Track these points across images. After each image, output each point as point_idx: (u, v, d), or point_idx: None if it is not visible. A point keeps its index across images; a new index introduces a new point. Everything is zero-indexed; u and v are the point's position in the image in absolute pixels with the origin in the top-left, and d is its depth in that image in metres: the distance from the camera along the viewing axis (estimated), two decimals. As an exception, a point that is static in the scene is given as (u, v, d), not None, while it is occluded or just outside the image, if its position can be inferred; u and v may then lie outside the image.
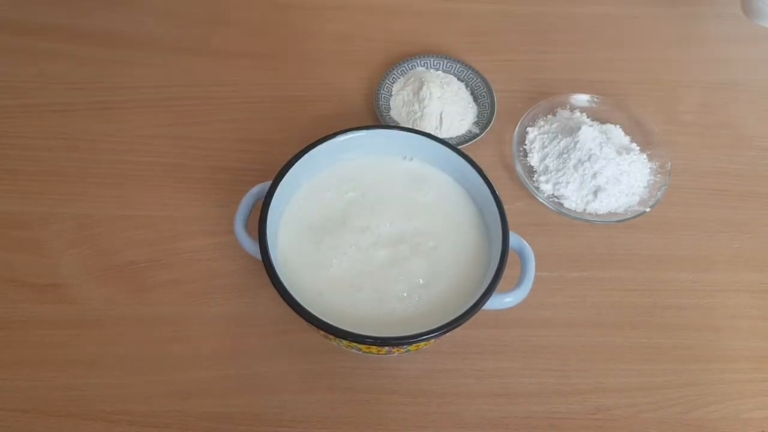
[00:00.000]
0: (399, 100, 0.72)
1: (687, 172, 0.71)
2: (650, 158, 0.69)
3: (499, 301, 0.53)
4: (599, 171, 0.65)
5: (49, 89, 0.73)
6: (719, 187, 0.70)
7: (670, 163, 0.67)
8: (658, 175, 0.68)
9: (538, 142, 0.69)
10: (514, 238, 0.55)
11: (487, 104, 0.73)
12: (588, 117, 0.72)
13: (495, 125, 0.72)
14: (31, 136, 0.69)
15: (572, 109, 0.73)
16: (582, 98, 0.73)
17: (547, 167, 0.68)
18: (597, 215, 0.66)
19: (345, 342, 0.51)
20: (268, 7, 0.81)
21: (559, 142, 0.68)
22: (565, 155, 0.67)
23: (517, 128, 0.70)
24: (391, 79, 0.74)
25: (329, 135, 0.58)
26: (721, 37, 0.83)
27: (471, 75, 0.75)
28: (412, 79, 0.73)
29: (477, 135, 0.70)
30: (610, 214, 0.66)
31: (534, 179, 0.68)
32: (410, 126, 0.68)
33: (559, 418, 0.57)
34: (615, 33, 0.82)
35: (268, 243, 0.52)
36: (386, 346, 0.51)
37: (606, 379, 0.59)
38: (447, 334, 0.50)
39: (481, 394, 0.58)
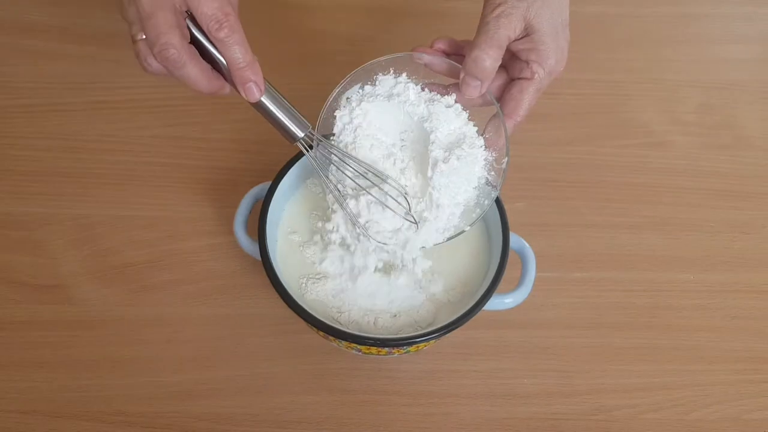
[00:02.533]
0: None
1: (687, 172, 0.71)
2: (489, 146, 0.52)
3: (500, 302, 0.53)
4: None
5: (49, 89, 0.72)
6: (720, 187, 0.70)
7: (507, 159, 0.51)
8: (492, 173, 0.52)
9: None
10: (514, 239, 0.55)
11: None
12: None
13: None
14: (30, 137, 0.69)
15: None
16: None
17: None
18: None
19: (345, 343, 0.51)
20: (268, 7, 0.81)
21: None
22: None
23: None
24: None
25: (329, 135, 0.58)
26: (722, 37, 0.83)
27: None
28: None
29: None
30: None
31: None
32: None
33: (560, 419, 0.57)
34: (615, 33, 0.82)
35: (267, 244, 0.52)
36: (386, 347, 0.51)
37: (606, 380, 0.59)
38: (447, 334, 0.50)
39: (482, 394, 0.58)
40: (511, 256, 0.54)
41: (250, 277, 0.62)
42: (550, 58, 0.49)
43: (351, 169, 0.51)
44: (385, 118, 0.53)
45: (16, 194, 0.66)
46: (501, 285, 0.52)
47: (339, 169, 0.52)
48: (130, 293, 0.61)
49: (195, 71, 0.46)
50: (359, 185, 0.51)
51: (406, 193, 0.51)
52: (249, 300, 0.61)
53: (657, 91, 0.77)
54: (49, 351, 0.58)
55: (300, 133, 0.50)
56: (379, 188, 0.51)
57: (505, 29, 0.48)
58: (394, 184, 0.51)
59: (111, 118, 0.71)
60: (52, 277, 0.61)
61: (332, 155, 0.52)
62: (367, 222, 0.51)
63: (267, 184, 0.55)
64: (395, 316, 0.53)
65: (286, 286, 0.50)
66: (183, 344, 0.59)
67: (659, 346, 0.61)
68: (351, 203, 0.51)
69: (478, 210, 0.52)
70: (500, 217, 0.54)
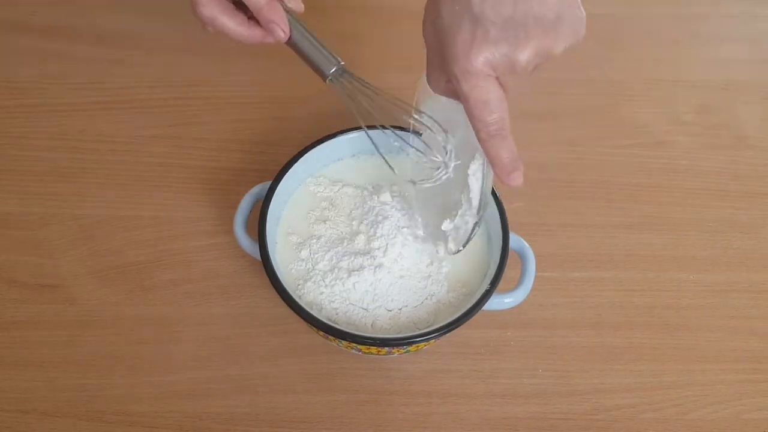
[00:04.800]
0: None
1: (687, 172, 0.71)
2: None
3: (499, 302, 0.53)
4: None
5: (49, 90, 0.73)
6: (719, 187, 0.70)
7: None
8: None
9: None
10: (514, 239, 0.55)
11: None
12: None
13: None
14: (30, 137, 0.69)
15: None
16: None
17: None
18: None
19: (345, 342, 0.51)
20: (268, 7, 0.81)
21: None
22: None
23: None
24: None
25: (329, 135, 0.58)
26: (721, 38, 0.83)
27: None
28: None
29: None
30: None
31: None
32: None
33: (559, 418, 0.57)
34: (615, 33, 0.82)
35: (267, 243, 0.52)
36: (386, 346, 0.51)
37: (606, 380, 0.59)
38: (447, 334, 0.50)
39: (481, 394, 0.58)
40: (511, 256, 0.54)
41: (250, 276, 0.62)
42: (450, 63, 0.41)
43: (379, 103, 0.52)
44: None
45: (16, 194, 0.66)
46: (500, 284, 0.52)
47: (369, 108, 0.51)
48: (131, 293, 0.61)
49: (230, 24, 0.48)
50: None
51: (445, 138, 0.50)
52: (249, 300, 0.61)
53: (656, 92, 0.77)
54: (49, 350, 0.58)
55: (327, 71, 0.50)
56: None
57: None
58: (427, 122, 0.51)
59: (111, 118, 0.71)
60: (53, 276, 0.61)
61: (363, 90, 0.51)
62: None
63: (267, 184, 0.56)
64: (394, 316, 0.53)
65: (285, 286, 0.50)
66: (183, 344, 0.59)
67: (658, 345, 0.61)
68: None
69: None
70: (500, 216, 0.54)
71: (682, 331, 0.62)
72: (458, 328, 0.50)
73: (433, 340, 0.51)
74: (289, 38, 0.50)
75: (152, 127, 0.71)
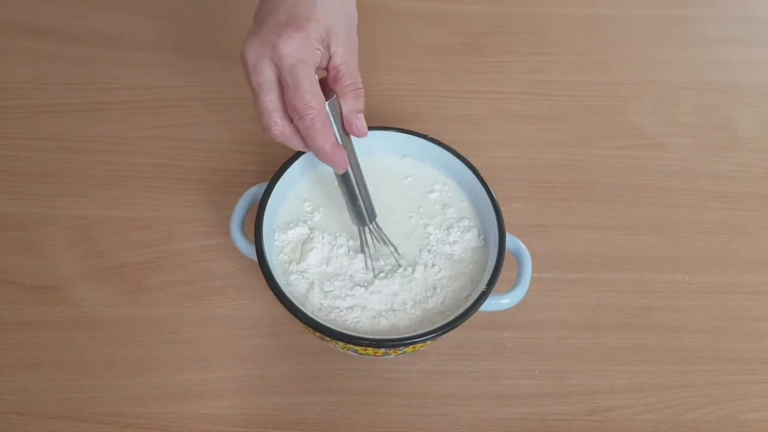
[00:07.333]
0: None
1: (683, 173, 0.71)
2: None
3: (496, 303, 0.53)
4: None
5: (45, 90, 0.72)
6: (715, 188, 0.71)
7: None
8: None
9: None
10: (510, 240, 0.55)
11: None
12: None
13: (487, 123, 0.72)
14: (26, 137, 0.69)
15: None
16: None
17: None
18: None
19: (341, 344, 0.51)
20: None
21: None
22: None
23: None
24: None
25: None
26: (718, 39, 0.83)
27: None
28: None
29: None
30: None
31: None
32: None
33: (555, 419, 0.57)
34: (612, 34, 0.83)
35: (264, 245, 0.52)
36: (383, 347, 0.51)
37: (602, 381, 0.59)
38: (444, 335, 0.50)
39: (478, 395, 0.58)
40: (508, 257, 0.54)
41: (246, 278, 0.62)
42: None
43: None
44: None
45: (12, 195, 0.66)
46: (497, 285, 0.52)
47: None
48: (127, 294, 0.61)
49: (297, 143, 0.50)
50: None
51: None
52: (245, 301, 0.61)
53: (653, 93, 0.77)
54: (45, 352, 0.58)
55: (368, 221, 0.54)
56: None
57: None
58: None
59: (107, 118, 0.71)
60: (48, 277, 0.61)
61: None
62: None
63: (264, 185, 0.55)
64: (391, 317, 0.53)
65: (282, 288, 0.50)
66: (179, 345, 0.59)
67: (654, 346, 0.61)
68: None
69: None
70: (496, 217, 0.54)
71: (678, 333, 0.62)
72: (455, 329, 0.50)
73: (430, 341, 0.51)
74: (345, 174, 0.52)
75: (149, 128, 0.70)
